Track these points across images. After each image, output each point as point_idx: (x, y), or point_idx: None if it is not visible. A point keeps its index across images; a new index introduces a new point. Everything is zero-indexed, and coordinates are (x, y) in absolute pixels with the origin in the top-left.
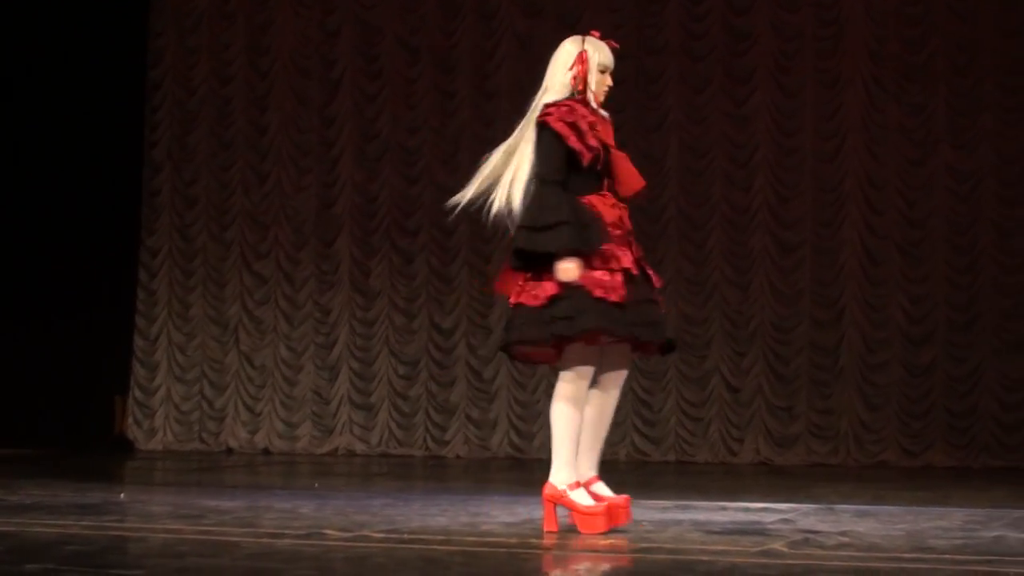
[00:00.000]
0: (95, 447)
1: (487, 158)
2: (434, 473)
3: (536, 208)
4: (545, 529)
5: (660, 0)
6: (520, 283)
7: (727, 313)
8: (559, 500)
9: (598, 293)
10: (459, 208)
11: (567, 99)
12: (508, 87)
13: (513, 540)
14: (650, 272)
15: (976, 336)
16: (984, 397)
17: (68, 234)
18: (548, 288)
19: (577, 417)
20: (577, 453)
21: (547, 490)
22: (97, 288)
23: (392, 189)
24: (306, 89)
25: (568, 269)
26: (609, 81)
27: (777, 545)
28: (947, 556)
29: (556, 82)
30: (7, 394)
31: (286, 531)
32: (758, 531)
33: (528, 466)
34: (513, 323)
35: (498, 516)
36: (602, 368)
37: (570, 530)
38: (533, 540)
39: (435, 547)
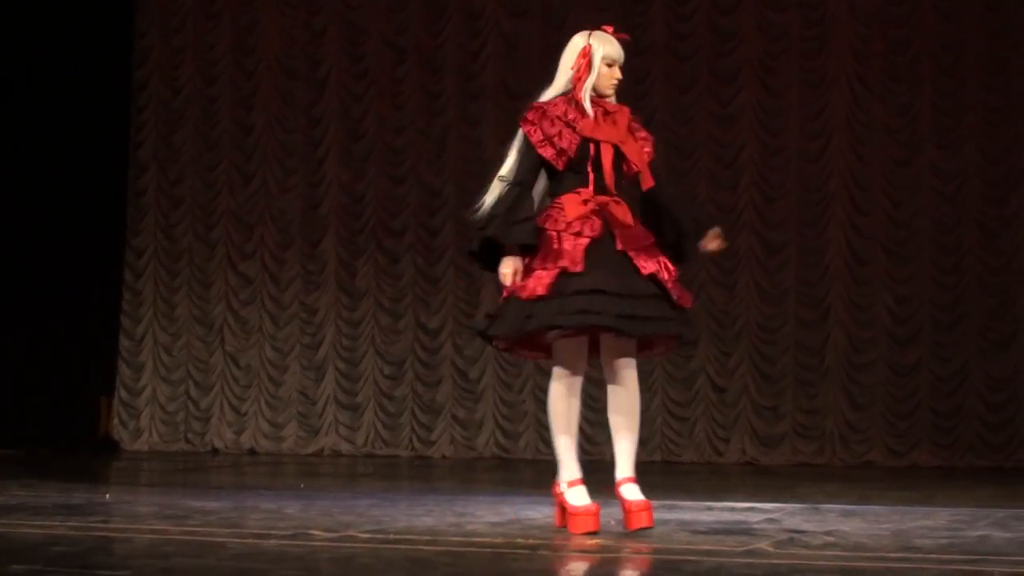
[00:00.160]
0: (80, 448)
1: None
2: (420, 473)
3: (481, 207)
4: (555, 525)
5: (645, 1)
6: None
7: (713, 313)
8: (558, 497)
9: (523, 294)
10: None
11: (561, 95)
12: (494, 87)
13: (499, 540)
14: (642, 264)
15: (961, 336)
16: (969, 397)
17: (53, 234)
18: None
19: (563, 413)
20: (573, 448)
21: (555, 487)
22: (82, 288)
23: (378, 189)
24: (292, 89)
25: (504, 274)
26: (617, 74)
27: (763, 545)
28: (933, 556)
29: (558, 78)
30: None
31: (272, 532)
32: (744, 531)
33: (514, 466)
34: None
35: (484, 516)
36: (605, 363)
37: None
38: (519, 540)
39: (421, 547)
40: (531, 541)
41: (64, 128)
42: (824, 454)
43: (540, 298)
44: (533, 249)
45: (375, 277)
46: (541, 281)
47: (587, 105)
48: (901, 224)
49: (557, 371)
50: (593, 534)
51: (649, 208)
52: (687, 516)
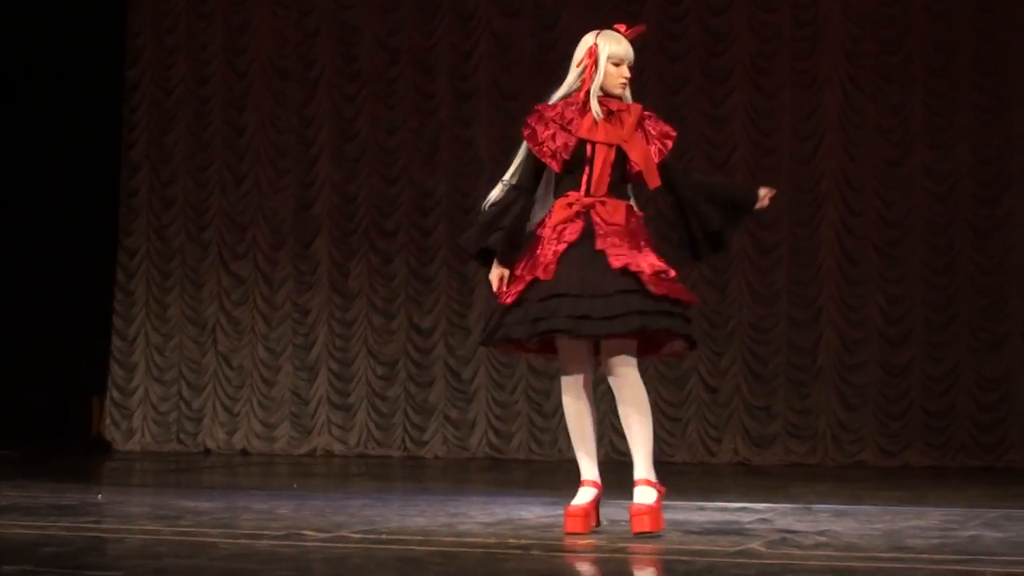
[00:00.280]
0: (73, 448)
1: None
2: (412, 473)
3: (481, 209)
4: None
5: (638, 0)
6: None
7: (705, 313)
8: None
9: (500, 302)
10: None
11: (565, 96)
12: (486, 87)
13: (491, 540)
14: (614, 259)
15: (953, 336)
16: (961, 397)
17: (45, 235)
18: None
19: (572, 416)
20: (584, 450)
21: None
22: (74, 289)
23: (371, 189)
24: (284, 89)
25: (491, 280)
26: (625, 73)
27: (755, 545)
28: (924, 556)
29: (568, 78)
30: None
31: (264, 532)
32: (736, 531)
33: (506, 466)
34: None
35: (476, 516)
36: (603, 365)
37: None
38: (511, 540)
39: (413, 547)
40: (523, 541)
41: (56, 128)
42: (816, 454)
43: (510, 307)
44: (516, 254)
45: (368, 277)
46: (512, 289)
47: (594, 104)
48: (893, 224)
49: (563, 378)
50: (579, 535)
51: (675, 204)
52: (679, 516)
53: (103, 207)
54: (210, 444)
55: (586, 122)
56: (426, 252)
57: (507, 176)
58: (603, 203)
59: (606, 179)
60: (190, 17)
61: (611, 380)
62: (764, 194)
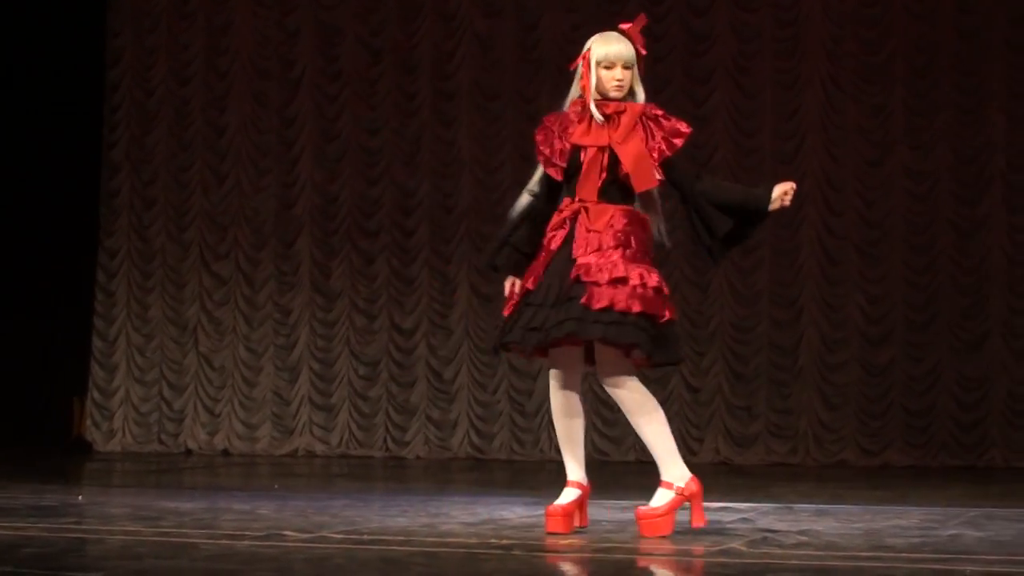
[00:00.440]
0: (53, 449)
1: None
2: (394, 474)
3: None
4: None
5: (619, 1)
6: None
7: (687, 313)
8: None
9: (504, 311)
10: None
11: (569, 102)
12: (468, 87)
13: (473, 540)
14: (578, 266)
15: (934, 336)
16: (942, 396)
17: (25, 235)
18: None
19: (558, 417)
20: (568, 450)
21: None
22: (55, 289)
23: (352, 190)
24: (265, 89)
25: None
26: (618, 75)
27: (736, 544)
28: (904, 555)
29: (572, 86)
30: None
31: (245, 532)
32: (717, 530)
33: (488, 467)
34: None
35: (458, 516)
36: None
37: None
38: (493, 540)
39: (395, 548)
40: (504, 541)
41: (37, 129)
42: (798, 454)
43: (507, 318)
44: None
45: (350, 278)
46: (510, 301)
47: (592, 109)
48: (874, 224)
49: (551, 380)
50: (560, 535)
51: (683, 207)
52: None
53: (84, 207)
54: (191, 445)
55: (581, 127)
56: (408, 253)
57: (530, 183)
58: (588, 208)
59: (595, 183)
60: (171, 17)
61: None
62: (779, 194)
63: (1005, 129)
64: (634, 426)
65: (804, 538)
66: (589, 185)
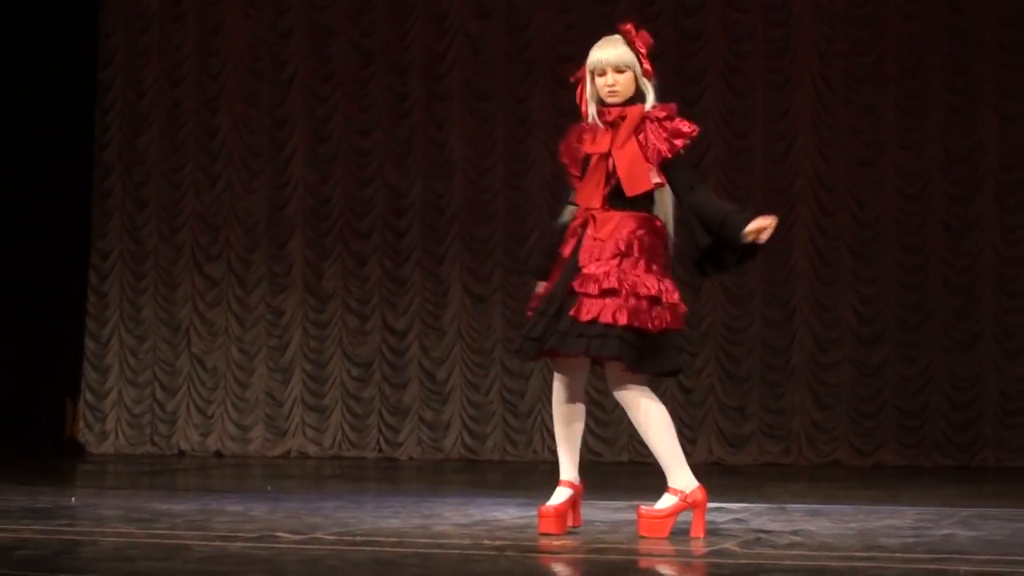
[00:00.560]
0: (46, 450)
1: None
2: (387, 475)
3: None
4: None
5: (611, 1)
6: None
7: None
8: None
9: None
10: None
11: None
12: (460, 88)
13: (466, 541)
14: (580, 275)
15: (926, 336)
16: (935, 396)
17: (18, 237)
18: None
19: (556, 417)
20: (563, 449)
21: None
22: (47, 291)
23: (344, 191)
24: (257, 91)
25: None
26: (608, 80)
27: (729, 544)
28: (898, 554)
29: None
30: None
31: (238, 534)
32: (711, 531)
33: (481, 468)
34: None
35: (451, 518)
36: None
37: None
38: (486, 541)
39: (388, 549)
40: (498, 542)
41: (29, 130)
42: (790, 454)
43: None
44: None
45: (342, 279)
46: (531, 306)
47: (593, 116)
48: (866, 224)
49: (555, 382)
50: (553, 535)
51: (681, 216)
52: None
53: (76, 209)
54: (184, 446)
55: (589, 136)
56: (400, 253)
57: (570, 193)
58: (594, 217)
59: (600, 190)
60: (163, 18)
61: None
62: (755, 227)
63: (997, 129)
64: (641, 434)
65: (797, 538)
66: (594, 193)
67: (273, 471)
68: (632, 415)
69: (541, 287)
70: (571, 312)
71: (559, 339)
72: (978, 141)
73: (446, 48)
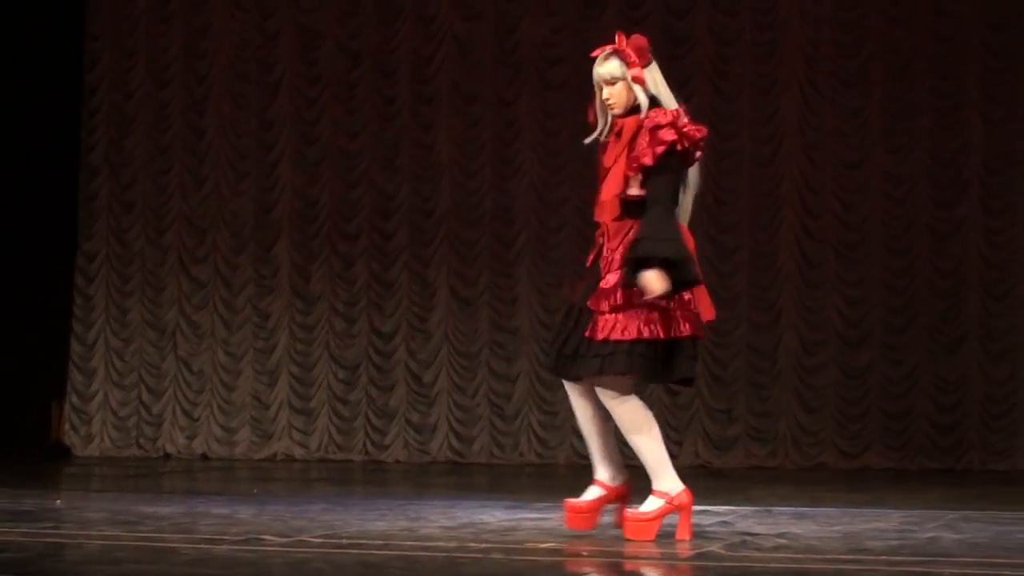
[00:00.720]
0: (31, 453)
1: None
2: (373, 478)
3: None
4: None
5: (599, 4)
6: None
7: None
8: None
9: None
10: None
11: None
12: (447, 91)
13: (452, 544)
14: (592, 297)
15: (912, 338)
16: (920, 399)
17: (4, 239)
18: None
19: (577, 419)
20: (592, 451)
21: None
22: (34, 293)
23: (332, 193)
24: (244, 93)
25: None
26: (604, 95)
27: (715, 548)
28: (883, 557)
29: None
30: None
31: (224, 537)
32: (696, 534)
33: (467, 470)
34: None
35: (437, 520)
36: None
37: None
38: (472, 544)
39: (374, 552)
40: (484, 545)
41: (14, 132)
42: (776, 457)
43: None
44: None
45: (329, 281)
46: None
47: (604, 132)
48: (852, 227)
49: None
50: (580, 534)
51: None
52: None
53: (62, 211)
54: (170, 449)
55: (603, 149)
56: (387, 256)
57: None
58: (608, 227)
59: (609, 204)
60: (150, 20)
61: None
62: (644, 284)
63: (982, 132)
64: (627, 439)
65: (783, 541)
66: (604, 205)
67: (259, 474)
68: (617, 418)
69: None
70: (586, 332)
71: (570, 363)
72: (963, 144)
73: (434, 51)
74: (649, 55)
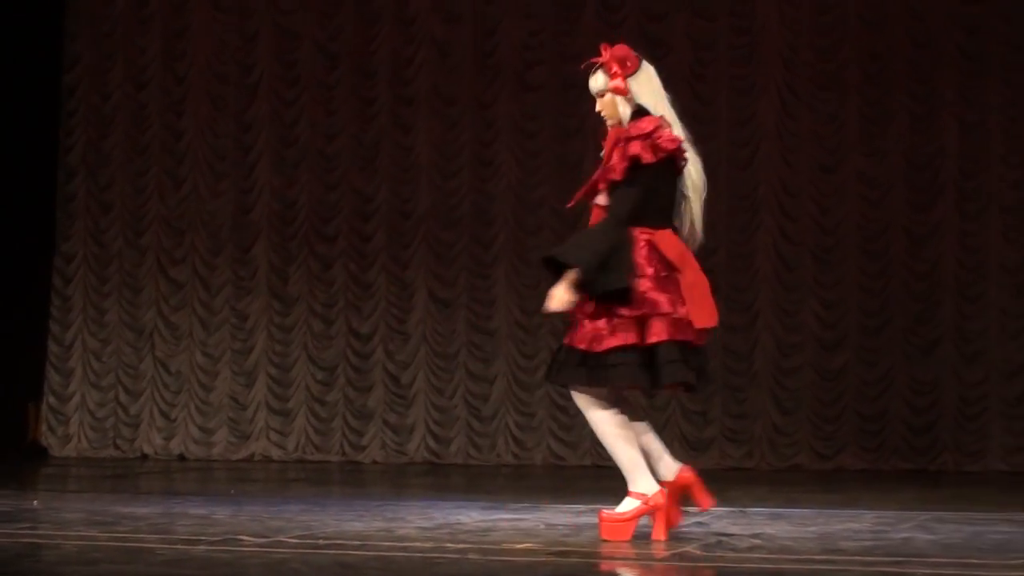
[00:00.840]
0: (8, 454)
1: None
2: (351, 478)
3: None
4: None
5: (577, 7)
6: None
7: None
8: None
9: None
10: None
11: None
12: (426, 93)
13: (429, 544)
14: (577, 307)
15: (887, 341)
16: (894, 401)
17: None
18: None
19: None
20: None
21: None
22: (11, 294)
23: (310, 195)
24: (223, 94)
25: None
26: (597, 107)
27: (691, 548)
28: (857, 557)
29: None
30: None
31: (201, 537)
32: (672, 534)
33: (445, 471)
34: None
35: (414, 521)
36: None
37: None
38: (448, 544)
39: (351, 552)
40: (460, 545)
41: None
42: (752, 458)
43: None
44: None
45: (307, 283)
46: None
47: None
48: (828, 230)
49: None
50: (612, 543)
51: None
52: None
53: (40, 212)
54: (147, 449)
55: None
56: (365, 258)
57: None
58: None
59: (591, 211)
60: (128, 22)
61: None
62: (553, 291)
63: (957, 136)
64: (603, 443)
65: (758, 541)
66: (597, 214)
67: (237, 474)
68: (590, 422)
69: None
70: (565, 340)
71: (554, 373)
72: (939, 148)
73: (413, 53)
74: (635, 62)
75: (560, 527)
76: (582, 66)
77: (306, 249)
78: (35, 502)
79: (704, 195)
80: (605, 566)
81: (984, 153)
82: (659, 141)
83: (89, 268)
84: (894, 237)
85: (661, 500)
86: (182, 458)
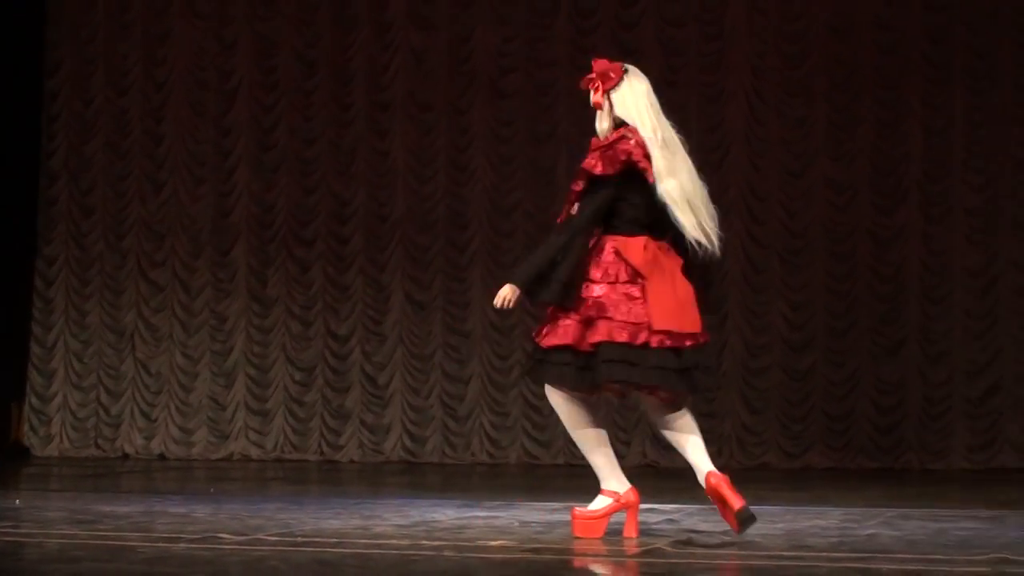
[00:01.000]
0: None
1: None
2: (328, 477)
3: None
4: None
5: (550, 14)
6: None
7: None
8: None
9: None
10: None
11: None
12: (402, 99)
13: (405, 542)
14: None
15: (853, 342)
16: (861, 400)
17: None
18: None
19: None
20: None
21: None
22: None
23: (288, 199)
24: (203, 100)
25: None
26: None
27: (661, 544)
28: (824, 554)
29: None
30: None
31: (181, 535)
32: (643, 531)
33: (421, 470)
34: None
35: (391, 519)
36: None
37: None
38: (424, 542)
39: (328, 550)
40: (436, 543)
41: None
42: (722, 456)
43: None
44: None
45: (285, 285)
46: None
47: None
48: (796, 233)
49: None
50: (583, 539)
51: None
52: None
53: (22, 216)
54: (128, 449)
55: None
56: (343, 260)
57: None
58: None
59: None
60: (109, 28)
61: None
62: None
63: (922, 141)
64: (574, 439)
65: (727, 538)
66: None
67: (216, 473)
68: (568, 425)
69: None
70: (532, 334)
71: (526, 365)
72: (904, 153)
73: (389, 59)
74: (618, 75)
75: (534, 524)
76: (581, 85)
77: (284, 252)
78: (17, 501)
79: (702, 202)
80: (578, 562)
81: (948, 158)
82: (611, 153)
83: (71, 271)
84: (860, 240)
85: (633, 498)
86: (162, 457)
